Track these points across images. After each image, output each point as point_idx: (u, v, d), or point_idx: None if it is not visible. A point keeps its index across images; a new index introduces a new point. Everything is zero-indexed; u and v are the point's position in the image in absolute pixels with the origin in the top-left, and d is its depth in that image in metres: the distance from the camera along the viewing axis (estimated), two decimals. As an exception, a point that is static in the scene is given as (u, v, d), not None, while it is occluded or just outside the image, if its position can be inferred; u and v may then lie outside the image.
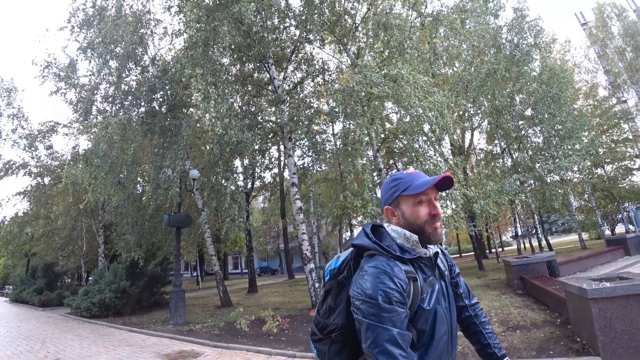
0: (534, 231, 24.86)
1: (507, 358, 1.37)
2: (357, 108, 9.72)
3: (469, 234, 17.04)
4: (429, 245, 1.24)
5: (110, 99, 12.70)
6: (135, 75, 12.35)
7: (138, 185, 15.60)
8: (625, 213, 22.60)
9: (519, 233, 26.70)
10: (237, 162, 14.15)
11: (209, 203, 10.49)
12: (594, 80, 21.94)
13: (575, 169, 16.85)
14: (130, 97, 12.07)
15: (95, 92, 12.28)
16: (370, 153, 11.41)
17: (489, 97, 14.27)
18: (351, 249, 1.29)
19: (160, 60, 12.55)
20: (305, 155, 11.82)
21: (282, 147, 17.47)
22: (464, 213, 11.15)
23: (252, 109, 11.52)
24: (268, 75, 11.03)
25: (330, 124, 13.99)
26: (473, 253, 18.76)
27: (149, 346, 7.21)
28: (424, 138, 13.03)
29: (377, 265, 1.12)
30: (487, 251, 28.04)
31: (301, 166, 11.71)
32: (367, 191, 9.91)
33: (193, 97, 7.73)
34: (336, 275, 1.29)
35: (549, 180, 15.59)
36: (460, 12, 12.72)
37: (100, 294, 11.28)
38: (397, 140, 14.29)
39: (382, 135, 12.06)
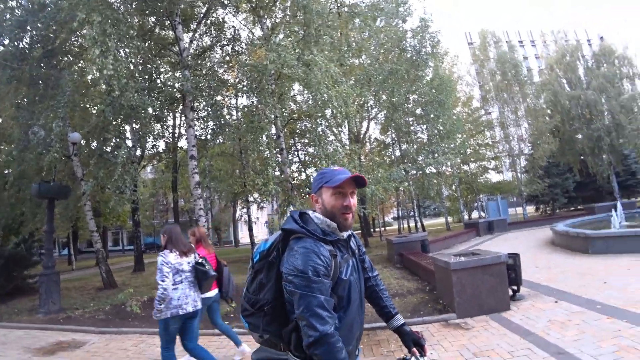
0: (412, 214, 28.52)
1: (399, 314, 1.77)
2: (267, 86, 9.61)
3: (358, 215, 18.69)
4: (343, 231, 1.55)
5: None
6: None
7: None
8: (480, 202, 27.47)
9: (400, 215, 30.16)
10: (127, 127, 12.63)
11: (95, 172, 9.22)
12: (471, 93, 25.72)
13: (449, 164, 19.79)
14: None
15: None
16: (274, 131, 11.39)
17: (388, 92, 15.58)
18: (279, 232, 1.54)
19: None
20: (207, 128, 11.19)
21: (178, 115, 16.27)
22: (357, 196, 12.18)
23: (151, 70, 10.33)
24: (173, 35, 10.08)
25: (235, 97, 13.49)
26: (360, 232, 20.68)
27: (14, 341, 6.06)
28: (326, 123, 13.71)
29: (305, 246, 1.37)
30: (372, 230, 31.11)
31: (201, 137, 11.04)
32: (269, 170, 10.05)
33: (90, 52, 6.65)
34: (266, 256, 1.51)
35: (428, 172, 18.01)
36: (375, 10, 13.54)
37: None
38: (300, 122, 14.41)
39: (286, 115, 12.08)
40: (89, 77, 10.04)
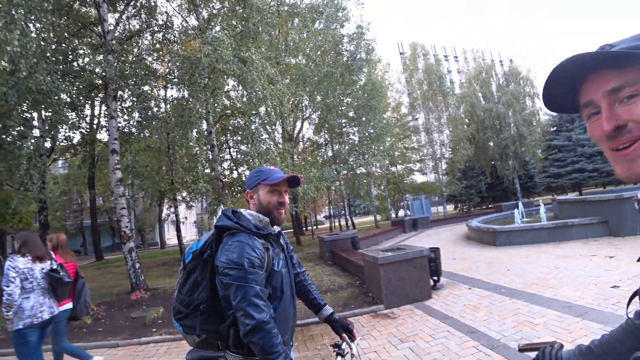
0: (342, 212, 29.44)
1: (327, 305, 1.86)
2: (199, 80, 9.22)
3: (290, 213, 18.80)
4: (274, 226, 1.61)
5: None
6: None
7: None
8: (405, 202, 29.32)
9: (331, 214, 30.94)
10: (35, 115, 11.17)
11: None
12: (400, 99, 27.37)
13: (378, 165, 20.84)
14: None
15: None
16: (205, 127, 10.92)
17: (323, 94, 15.93)
18: (212, 231, 1.56)
19: None
20: (132, 120, 10.32)
21: (98, 104, 14.85)
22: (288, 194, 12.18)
23: (67, 51, 9.28)
24: (96, 13, 9.19)
25: (165, 88, 12.68)
26: (292, 230, 20.81)
27: None
28: (260, 121, 13.59)
29: (240, 240, 1.42)
30: (304, 229, 31.46)
31: (124, 130, 10.15)
32: (199, 167, 9.64)
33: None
34: (199, 255, 1.53)
35: (358, 172, 18.78)
36: (315, 12, 13.75)
37: None
38: (233, 119, 13.97)
39: (219, 111, 11.63)
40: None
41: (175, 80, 10.25)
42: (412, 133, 26.57)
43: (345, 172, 18.73)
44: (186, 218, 19.33)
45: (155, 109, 10.05)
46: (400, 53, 56.74)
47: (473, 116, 27.13)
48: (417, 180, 29.31)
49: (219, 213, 1.63)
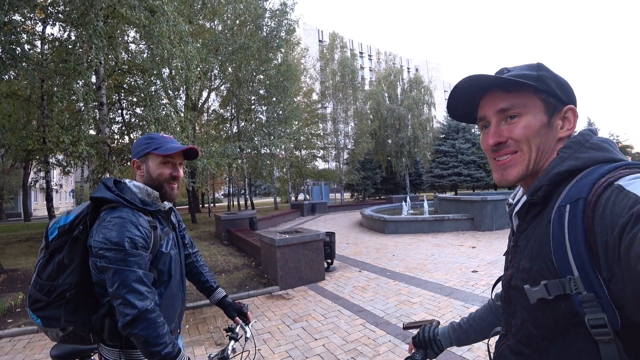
0: (242, 192, 28.87)
1: (220, 288, 1.72)
2: (94, 22, 7.79)
3: (186, 189, 17.68)
4: (165, 202, 1.41)
5: None
6: None
7: None
8: (306, 186, 30.08)
9: (230, 192, 30.09)
10: None
11: None
12: (313, 86, 27.70)
13: (283, 147, 20.84)
14: None
15: None
16: (94, 80, 9.38)
17: (235, 66, 15.14)
18: (87, 203, 1.30)
19: None
20: None
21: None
22: (186, 167, 11.30)
23: None
24: None
25: (44, 23, 10.45)
26: (187, 207, 19.60)
27: None
28: (162, 83, 12.21)
29: (121, 216, 1.21)
30: (201, 206, 30.00)
31: None
32: (82, 126, 8.24)
33: None
34: (68, 231, 1.26)
35: (263, 152, 18.49)
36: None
37: None
38: (130, 76, 12.09)
39: (113, 64, 10.01)
40: None
41: (60, 15, 8.50)
42: (320, 121, 27.19)
43: (249, 150, 18.23)
44: (61, 186, 16.57)
45: (27, 47, 8.12)
46: (320, 41, 57.41)
47: (377, 113, 29.03)
48: (318, 167, 30.36)
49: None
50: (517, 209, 0.78)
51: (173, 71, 9.26)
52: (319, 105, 27.87)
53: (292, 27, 16.90)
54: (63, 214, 1.34)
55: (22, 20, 8.82)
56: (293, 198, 31.31)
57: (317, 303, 4.72)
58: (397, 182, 31.60)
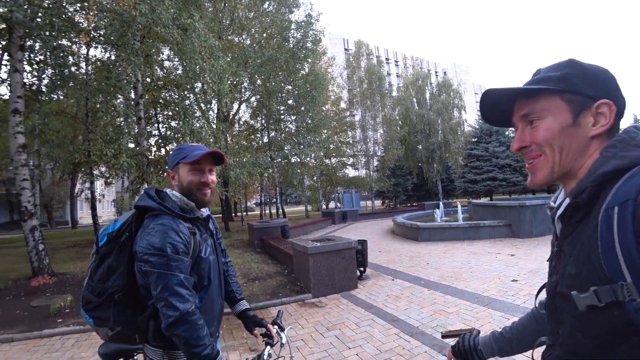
0: (274, 200, 29.26)
1: (244, 300, 1.74)
2: (132, 42, 8.27)
3: (219, 198, 18.15)
4: (202, 210, 1.46)
5: None
6: None
7: None
8: (336, 194, 30.05)
9: (262, 201, 30.55)
10: None
11: None
12: (340, 94, 27.83)
13: (313, 156, 21.00)
14: None
15: None
16: (133, 96, 9.84)
17: (264, 78, 15.49)
18: (132, 211, 1.38)
19: None
20: (43, 76, 8.87)
21: None
22: (219, 178, 11.63)
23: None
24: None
25: (87, 46, 11.20)
26: (221, 215, 20.12)
27: None
28: (195, 97, 12.71)
29: (163, 223, 1.27)
30: (234, 214, 30.68)
31: (32, 87, 8.46)
32: (123, 140, 8.73)
33: None
34: (115, 238, 1.33)
35: (293, 161, 18.71)
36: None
37: None
38: (165, 91, 12.69)
39: (149, 81, 10.55)
40: None
41: (102, 38, 9.10)
42: (349, 128, 27.20)
43: (280, 159, 18.51)
44: (103, 196, 17.53)
45: (73, 68, 8.72)
46: (345, 49, 57.75)
47: (406, 119, 28.65)
48: (349, 174, 30.22)
49: (142, 192, 1.40)
50: (559, 212, 0.75)
51: (205, 85, 9.61)
52: (347, 113, 27.90)
53: (317, 38, 17.15)
54: (111, 222, 1.42)
55: (69, 44, 9.48)
56: (324, 206, 31.36)
57: (350, 311, 4.67)
58: (429, 188, 30.87)
